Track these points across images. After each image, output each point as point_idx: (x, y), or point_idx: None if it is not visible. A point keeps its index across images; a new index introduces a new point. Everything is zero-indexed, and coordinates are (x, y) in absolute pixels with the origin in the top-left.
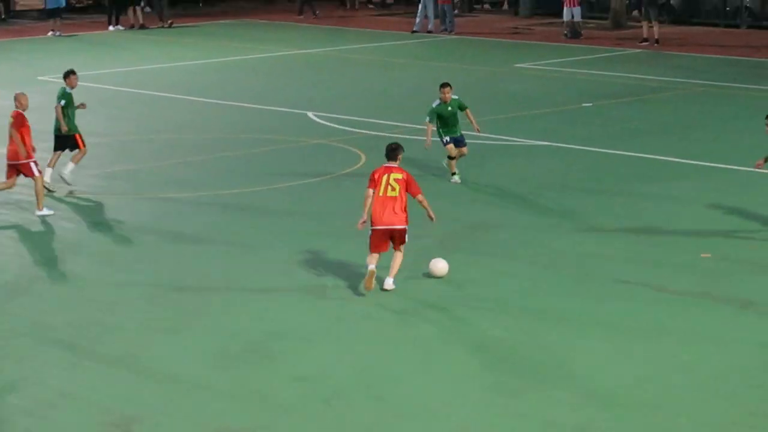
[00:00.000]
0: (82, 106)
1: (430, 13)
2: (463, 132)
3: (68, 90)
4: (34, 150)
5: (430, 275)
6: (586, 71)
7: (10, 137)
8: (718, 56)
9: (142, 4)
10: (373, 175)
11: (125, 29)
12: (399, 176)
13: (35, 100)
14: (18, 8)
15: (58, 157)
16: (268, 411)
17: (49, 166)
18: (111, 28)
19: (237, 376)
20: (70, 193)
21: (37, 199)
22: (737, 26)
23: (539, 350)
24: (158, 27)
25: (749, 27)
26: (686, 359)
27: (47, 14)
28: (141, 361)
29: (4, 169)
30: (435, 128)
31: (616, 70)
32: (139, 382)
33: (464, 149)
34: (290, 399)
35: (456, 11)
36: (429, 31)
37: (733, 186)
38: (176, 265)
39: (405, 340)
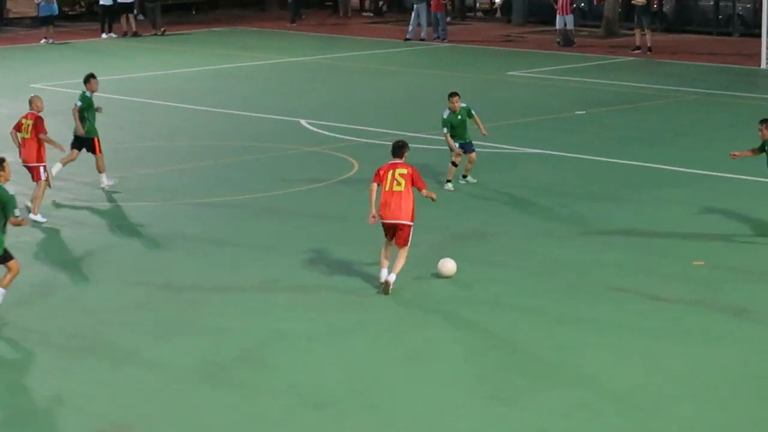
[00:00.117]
0: (99, 110)
1: (423, 20)
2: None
3: (88, 94)
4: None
5: (438, 275)
6: (578, 79)
7: (23, 140)
8: (710, 64)
9: (135, 11)
10: (378, 171)
11: (118, 37)
12: (404, 171)
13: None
14: (11, 16)
15: (74, 156)
16: (260, 418)
17: (60, 162)
18: (104, 35)
19: (230, 383)
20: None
21: (34, 204)
22: (730, 34)
23: (532, 358)
24: (151, 35)
25: (742, 35)
26: (679, 367)
27: (40, 22)
28: (134, 367)
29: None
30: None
31: (609, 78)
32: (133, 389)
33: (473, 155)
34: (282, 406)
35: (449, 19)
36: (422, 39)
37: (726, 193)
38: (168, 272)
39: (398, 347)
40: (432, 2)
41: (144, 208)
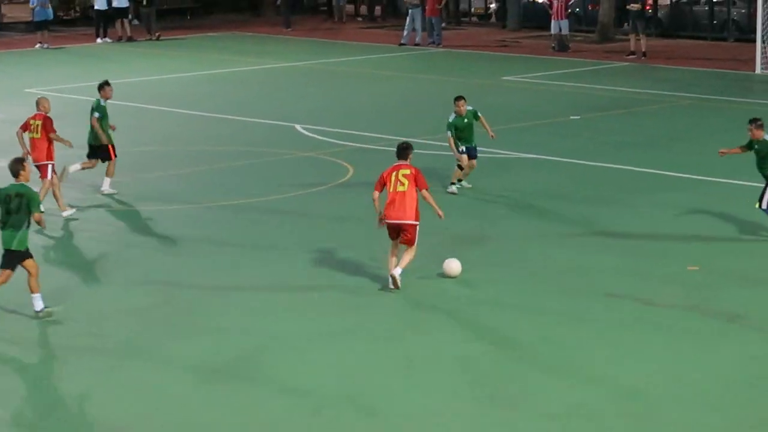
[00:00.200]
0: (113, 127)
1: (418, 25)
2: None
3: (102, 102)
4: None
5: (443, 275)
6: (573, 84)
7: (32, 140)
8: (705, 69)
9: (130, 16)
10: (381, 175)
11: (113, 42)
12: (407, 171)
13: (21, 114)
14: (5, 21)
15: (92, 165)
16: (255, 423)
17: (79, 167)
18: (99, 40)
19: (225, 387)
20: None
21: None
22: (724, 39)
23: (529, 361)
24: (146, 39)
25: (736, 40)
26: (674, 372)
27: (35, 27)
28: (128, 373)
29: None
30: (454, 139)
31: (604, 83)
32: (126, 394)
33: (474, 162)
34: (278, 411)
35: (444, 24)
36: (416, 44)
37: (720, 198)
38: (163, 278)
39: (396, 350)
40: (427, 7)
41: (139, 212)
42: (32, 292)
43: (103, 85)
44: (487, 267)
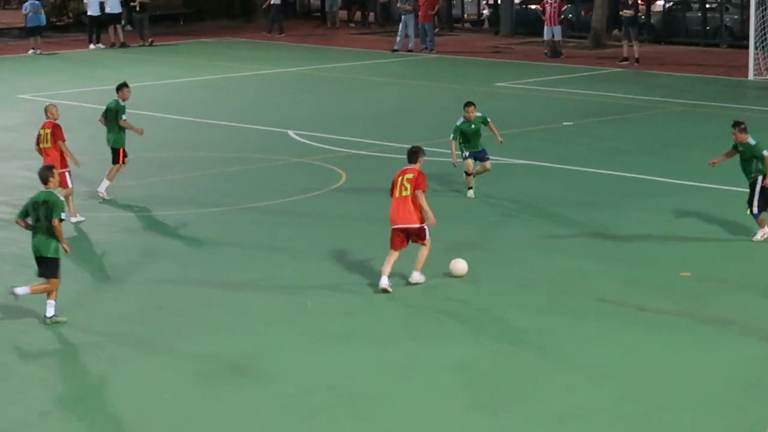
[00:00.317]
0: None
1: (411, 31)
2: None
3: (122, 102)
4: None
5: (450, 275)
6: (566, 90)
7: (44, 149)
8: (698, 75)
9: (123, 22)
10: (393, 178)
11: (106, 48)
12: (410, 176)
13: (14, 120)
14: None
15: (117, 169)
16: (252, 424)
17: (107, 177)
18: (92, 46)
19: (218, 393)
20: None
21: (70, 207)
22: (717, 45)
23: (519, 368)
24: (139, 45)
25: (729, 46)
26: (666, 378)
27: (28, 32)
28: (119, 380)
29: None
30: (457, 144)
31: (597, 89)
32: (118, 401)
33: (487, 164)
34: (275, 413)
35: (436, 30)
36: (409, 50)
37: (713, 205)
38: (156, 284)
39: (392, 354)
40: (420, 13)
41: (133, 217)
42: (50, 297)
43: (122, 86)
44: (480, 272)
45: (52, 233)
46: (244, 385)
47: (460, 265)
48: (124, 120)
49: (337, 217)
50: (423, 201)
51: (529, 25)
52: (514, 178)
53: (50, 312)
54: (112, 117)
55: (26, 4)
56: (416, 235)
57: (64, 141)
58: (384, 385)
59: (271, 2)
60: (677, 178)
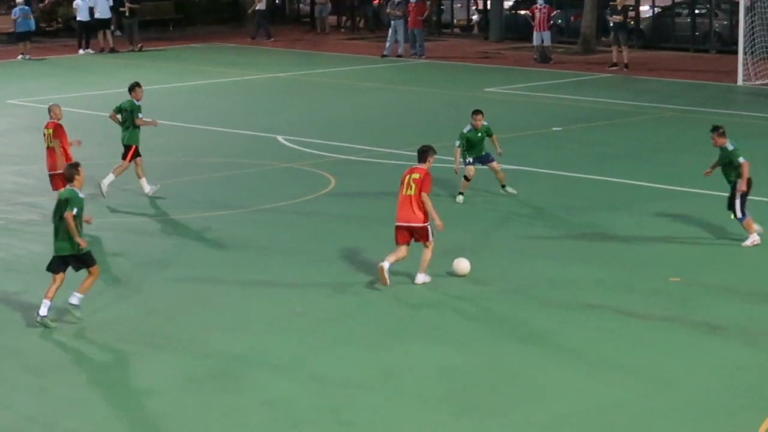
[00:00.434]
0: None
1: (401, 37)
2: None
3: (137, 102)
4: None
5: (453, 274)
6: (555, 95)
7: (48, 148)
8: (687, 81)
9: (113, 27)
10: (402, 177)
11: (95, 53)
12: (417, 176)
13: (3, 125)
14: None
15: (139, 164)
16: None
17: (140, 177)
18: (81, 51)
19: (205, 399)
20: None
21: None
22: (706, 51)
23: (507, 375)
24: (128, 50)
25: (718, 52)
26: (655, 384)
27: (17, 38)
28: (108, 385)
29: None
30: (461, 151)
31: (586, 94)
32: (106, 407)
33: (494, 164)
34: (258, 423)
35: (426, 35)
36: (399, 55)
37: (702, 210)
38: (145, 289)
39: (377, 362)
40: (409, 18)
41: (121, 223)
42: (79, 291)
43: (134, 87)
44: (469, 278)
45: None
46: (231, 390)
47: (463, 264)
48: (141, 118)
49: (326, 222)
50: (428, 205)
51: (519, 30)
52: (491, 186)
53: (74, 300)
54: (128, 116)
55: (15, 10)
56: (419, 235)
57: (60, 141)
58: (368, 393)
59: (256, 8)
60: (666, 184)
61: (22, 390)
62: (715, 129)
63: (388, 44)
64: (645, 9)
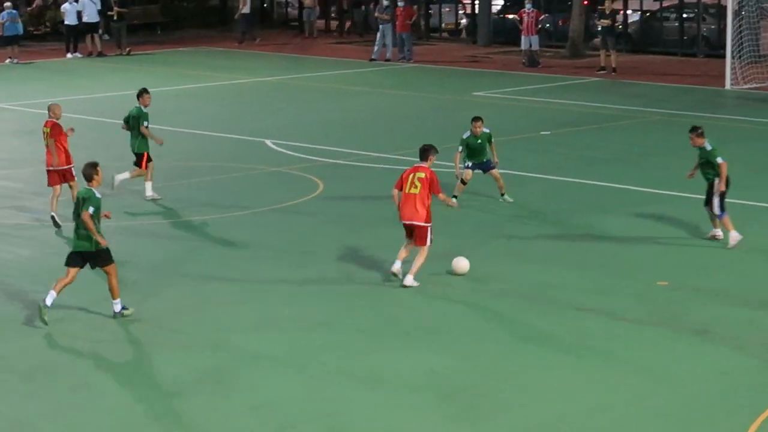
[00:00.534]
0: (71, 130)
1: (389, 41)
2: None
3: (144, 109)
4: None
5: (453, 273)
6: (543, 99)
7: (47, 147)
8: (675, 85)
9: (101, 31)
10: (401, 175)
11: (83, 57)
12: (422, 175)
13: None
14: None
15: (150, 170)
16: None
17: (146, 180)
18: (69, 55)
19: (192, 404)
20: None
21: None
22: (694, 55)
23: (499, 378)
24: (116, 54)
25: (706, 56)
26: (641, 388)
27: (4, 42)
28: (96, 391)
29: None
30: (462, 156)
31: (574, 98)
32: (94, 413)
33: (494, 171)
34: (245, 428)
35: (414, 39)
36: (387, 60)
37: (690, 213)
38: (131, 295)
39: (364, 366)
40: (397, 23)
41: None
42: (113, 297)
43: (142, 93)
44: (450, 285)
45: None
46: (219, 394)
47: (462, 263)
48: (145, 127)
49: (314, 225)
50: (444, 198)
51: (507, 34)
52: (491, 188)
53: (117, 308)
54: (135, 123)
55: (3, 13)
56: (418, 234)
57: (56, 140)
58: (356, 397)
59: (241, 11)
60: (654, 188)
61: (11, 395)
62: (694, 129)
63: (376, 48)
64: (629, 13)
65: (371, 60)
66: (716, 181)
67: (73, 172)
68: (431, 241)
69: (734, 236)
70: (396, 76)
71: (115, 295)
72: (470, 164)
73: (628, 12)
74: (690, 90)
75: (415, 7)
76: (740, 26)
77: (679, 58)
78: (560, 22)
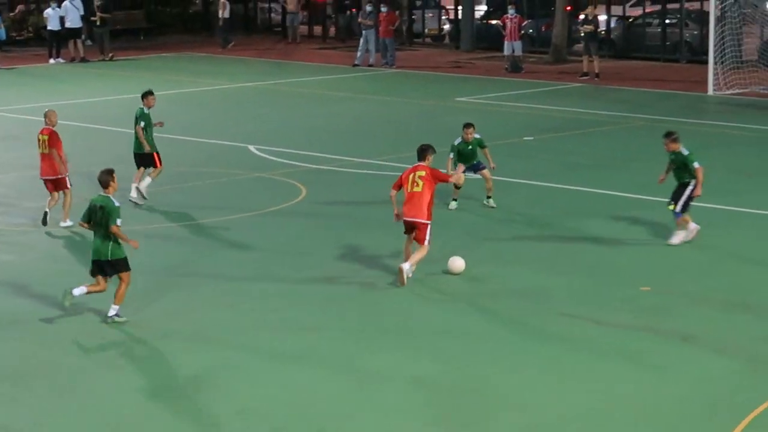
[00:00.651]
0: (160, 124)
1: (372, 46)
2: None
3: (146, 110)
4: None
5: (449, 272)
6: (526, 105)
7: (43, 154)
8: (658, 90)
9: (83, 37)
10: (400, 176)
11: (66, 62)
12: (422, 173)
13: None
14: None
15: (142, 173)
16: None
17: (134, 182)
18: (52, 61)
19: (179, 409)
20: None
21: (65, 211)
22: (677, 61)
23: (479, 384)
24: (99, 60)
25: (689, 61)
26: (627, 393)
27: None
28: (82, 395)
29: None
30: (453, 162)
31: (557, 104)
32: (80, 417)
33: (485, 171)
34: None
35: (397, 45)
36: (370, 65)
37: (673, 219)
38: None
39: (350, 371)
40: (380, 28)
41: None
42: (115, 302)
43: (146, 94)
44: (439, 289)
45: (108, 237)
46: (203, 400)
47: (458, 263)
48: (141, 127)
49: (297, 231)
50: (453, 178)
51: (490, 40)
52: (474, 194)
53: (112, 312)
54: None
55: None
56: (419, 232)
57: (58, 148)
58: (342, 402)
59: (220, 16)
60: (638, 193)
61: None
62: (668, 135)
63: (359, 54)
64: (603, 19)
65: (354, 65)
66: (691, 183)
67: (67, 183)
68: (430, 242)
69: (679, 236)
70: (379, 81)
71: (118, 301)
72: (463, 167)
73: (602, 17)
74: (673, 95)
75: (397, 12)
76: (723, 32)
77: (662, 64)
78: (543, 28)
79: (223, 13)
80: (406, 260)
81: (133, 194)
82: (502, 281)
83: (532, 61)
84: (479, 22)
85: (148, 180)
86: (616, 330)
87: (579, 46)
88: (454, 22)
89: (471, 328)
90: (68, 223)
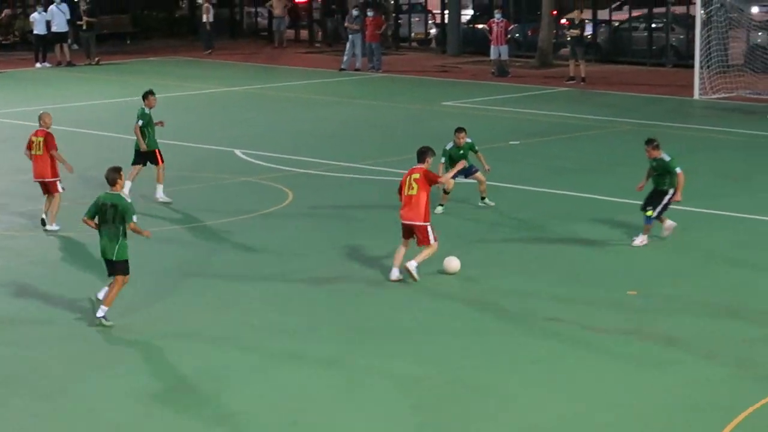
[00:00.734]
0: (160, 123)
1: (358, 50)
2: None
3: (147, 110)
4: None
5: (444, 272)
6: (513, 109)
7: (36, 156)
8: (644, 95)
9: (70, 41)
10: (401, 180)
11: (52, 66)
12: (417, 176)
13: None
14: None
15: (138, 171)
16: None
17: (128, 179)
18: (38, 65)
19: (162, 415)
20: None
21: (52, 213)
22: (663, 65)
23: (465, 388)
24: (85, 64)
25: (675, 66)
26: (613, 396)
27: None
28: (68, 399)
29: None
30: (444, 167)
31: (544, 108)
32: (66, 421)
33: (478, 174)
34: None
35: (383, 49)
36: (357, 69)
37: (659, 223)
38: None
39: (338, 374)
40: (367, 32)
41: (75, 239)
42: (104, 303)
43: (147, 94)
44: (424, 295)
45: (117, 236)
46: (185, 406)
47: (453, 263)
48: (139, 126)
49: (284, 235)
50: (443, 178)
51: (476, 44)
52: (461, 198)
53: (100, 313)
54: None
55: None
56: (420, 235)
57: (56, 149)
58: (330, 406)
59: (203, 20)
60: (624, 197)
61: None
62: (650, 142)
63: (345, 58)
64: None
65: (341, 70)
66: (671, 190)
67: (58, 187)
68: (436, 239)
69: (641, 239)
70: (365, 85)
71: (108, 303)
72: (462, 165)
73: (587, 20)
74: (659, 100)
75: (383, 17)
76: (709, 36)
77: (648, 68)
78: (529, 32)
79: (207, 17)
80: (395, 265)
81: (126, 191)
82: (487, 285)
83: (519, 66)
84: (465, 26)
85: (160, 187)
86: (602, 334)
87: (565, 51)
88: (441, 26)
89: (456, 331)
90: (54, 227)
